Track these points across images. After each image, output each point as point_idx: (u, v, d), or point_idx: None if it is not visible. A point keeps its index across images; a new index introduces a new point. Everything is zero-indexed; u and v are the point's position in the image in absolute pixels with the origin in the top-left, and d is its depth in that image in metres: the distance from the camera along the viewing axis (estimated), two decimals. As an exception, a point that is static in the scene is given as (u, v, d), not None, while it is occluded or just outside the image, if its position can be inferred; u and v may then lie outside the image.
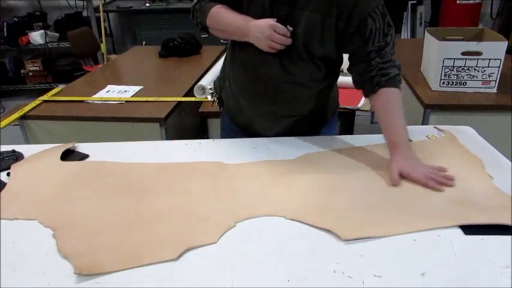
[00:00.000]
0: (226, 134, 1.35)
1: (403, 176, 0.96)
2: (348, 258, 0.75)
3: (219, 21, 1.10)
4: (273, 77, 1.10)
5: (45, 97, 1.96)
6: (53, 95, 2.00)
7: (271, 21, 1.00)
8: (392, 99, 1.02)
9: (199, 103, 1.90)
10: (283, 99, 1.13)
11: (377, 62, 1.02)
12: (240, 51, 1.14)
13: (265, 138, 1.21)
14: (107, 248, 0.79)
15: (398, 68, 1.04)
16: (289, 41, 1.02)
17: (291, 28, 1.01)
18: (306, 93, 1.14)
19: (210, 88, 1.90)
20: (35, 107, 1.85)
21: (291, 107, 1.16)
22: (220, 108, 1.37)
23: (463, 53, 1.78)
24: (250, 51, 1.08)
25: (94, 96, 1.97)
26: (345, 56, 1.12)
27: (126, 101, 1.90)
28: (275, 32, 0.99)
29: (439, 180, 0.93)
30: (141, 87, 2.08)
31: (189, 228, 0.84)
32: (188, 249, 0.78)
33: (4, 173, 1.07)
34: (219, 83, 1.33)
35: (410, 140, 1.17)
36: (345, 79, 2.01)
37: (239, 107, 1.22)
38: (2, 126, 1.71)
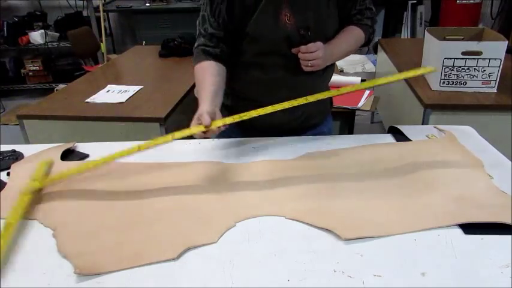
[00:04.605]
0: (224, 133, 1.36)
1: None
2: (348, 258, 0.75)
3: (196, 79, 1.21)
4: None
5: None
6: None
7: (199, 112, 1.04)
8: (352, 29, 1.19)
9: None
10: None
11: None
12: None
13: (265, 138, 1.21)
14: (107, 248, 0.79)
15: (371, 21, 1.23)
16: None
17: None
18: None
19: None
20: (35, 107, 1.85)
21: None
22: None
23: (463, 53, 1.78)
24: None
25: (94, 96, 1.97)
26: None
27: (126, 101, 1.90)
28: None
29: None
30: (141, 87, 2.08)
31: (189, 228, 0.84)
32: (188, 249, 0.78)
33: (4, 173, 1.07)
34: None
35: (410, 140, 1.17)
36: (344, 79, 2.02)
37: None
38: None
